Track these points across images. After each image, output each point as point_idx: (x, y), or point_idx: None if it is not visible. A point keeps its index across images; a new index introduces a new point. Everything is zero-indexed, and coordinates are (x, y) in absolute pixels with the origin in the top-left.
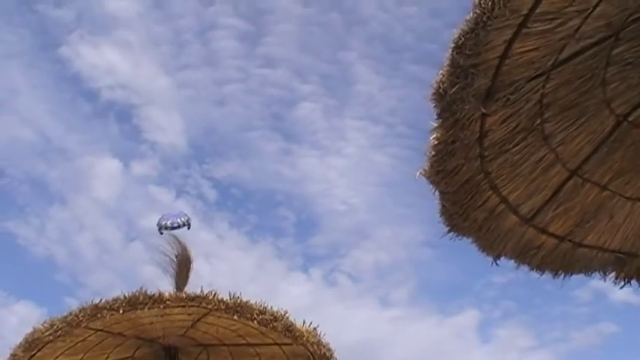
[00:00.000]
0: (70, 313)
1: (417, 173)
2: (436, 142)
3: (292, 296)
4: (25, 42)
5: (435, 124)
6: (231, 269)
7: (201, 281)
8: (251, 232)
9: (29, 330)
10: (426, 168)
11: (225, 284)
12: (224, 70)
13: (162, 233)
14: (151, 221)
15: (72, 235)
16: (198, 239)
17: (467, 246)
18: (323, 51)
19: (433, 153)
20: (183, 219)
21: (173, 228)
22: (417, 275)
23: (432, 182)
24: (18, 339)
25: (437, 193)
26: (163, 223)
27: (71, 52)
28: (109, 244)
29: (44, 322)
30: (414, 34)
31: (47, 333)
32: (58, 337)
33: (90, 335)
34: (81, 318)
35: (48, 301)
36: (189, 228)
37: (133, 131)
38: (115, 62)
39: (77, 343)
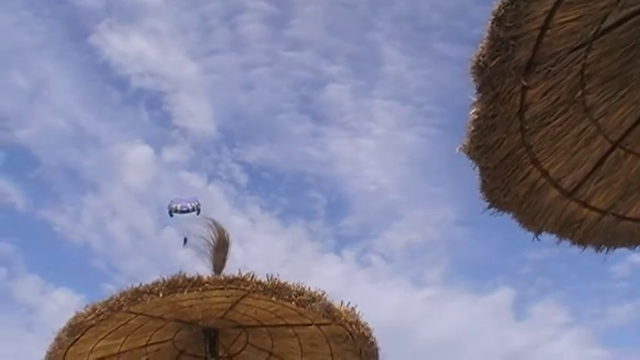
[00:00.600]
0: (112, 298)
1: (457, 149)
2: (476, 117)
3: (325, 278)
4: (55, 32)
5: (475, 99)
6: (264, 252)
7: (235, 265)
8: (282, 215)
9: (70, 315)
10: (466, 143)
11: (259, 268)
12: (251, 53)
13: (172, 216)
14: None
15: (106, 222)
16: (230, 224)
17: (500, 223)
18: (350, 32)
19: (473, 128)
20: (193, 204)
21: (182, 212)
22: (449, 254)
23: (472, 157)
24: (59, 325)
25: (477, 168)
26: (174, 206)
27: (100, 40)
28: (142, 230)
29: (86, 307)
30: (440, 12)
31: (90, 317)
32: (101, 321)
33: (131, 319)
34: (122, 302)
35: (86, 288)
36: (198, 213)
37: (163, 118)
38: (144, 50)
39: (119, 327)
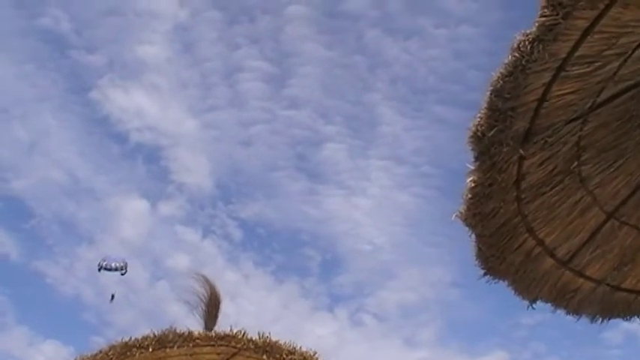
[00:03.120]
0: (100, 351)
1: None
2: (473, 185)
3: (317, 336)
4: (57, 86)
5: (472, 167)
6: (257, 309)
7: (226, 321)
8: (276, 271)
9: None
10: (463, 210)
11: (251, 324)
12: (250, 111)
13: (99, 271)
14: (178, 261)
15: (99, 275)
16: (224, 279)
17: (494, 287)
18: (347, 92)
19: (470, 196)
20: (119, 264)
21: (107, 269)
22: (443, 315)
23: (468, 225)
24: None
25: (473, 235)
26: (103, 263)
27: (101, 95)
28: (135, 283)
29: None
30: (437, 75)
31: None
32: None
33: None
34: (110, 356)
35: (74, 340)
36: (123, 274)
37: (161, 172)
38: (144, 105)
39: None
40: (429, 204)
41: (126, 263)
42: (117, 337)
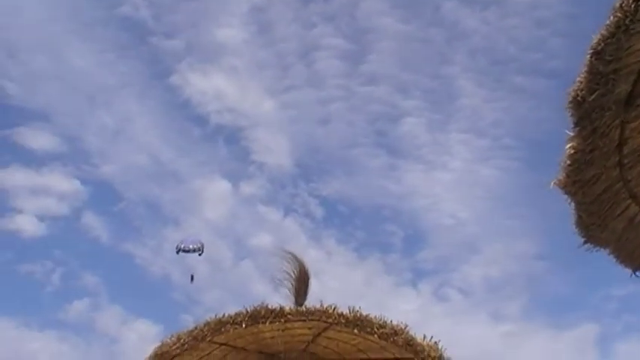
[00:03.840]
0: (196, 328)
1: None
2: (573, 152)
3: (401, 311)
4: (138, 72)
5: (572, 133)
6: (340, 285)
7: (312, 297)
8: (359, 248)
9: (152, 346)
10: (561, 178)
11: (336, 300)
12: (327, 89)
13: (177, 253)
14: (261, 240)
15: (185, 255)
16: (306, 256)
17: (581, 258)
18: (425, 66)
19: (569, 162)
20: (196, 245)
21: (186, 251)
22: (529, 289)
23: (567, 193)
24: (138, 355)
25: (572, 204)
26: (181, 246)
27: (181, 80)
28: (220, 262)
29: (171, 337)
30: (516, 44)
31: (174, 347)
32: (185, 350)
33: (214, 349)
34: (206, 332)
35: (164, 319)
36: (200, 254)
37: (242, 153)
38: (223, 88)
39: (202, 357)
40: (511, 176)
41: (202, 244)
42: (205, 315)
